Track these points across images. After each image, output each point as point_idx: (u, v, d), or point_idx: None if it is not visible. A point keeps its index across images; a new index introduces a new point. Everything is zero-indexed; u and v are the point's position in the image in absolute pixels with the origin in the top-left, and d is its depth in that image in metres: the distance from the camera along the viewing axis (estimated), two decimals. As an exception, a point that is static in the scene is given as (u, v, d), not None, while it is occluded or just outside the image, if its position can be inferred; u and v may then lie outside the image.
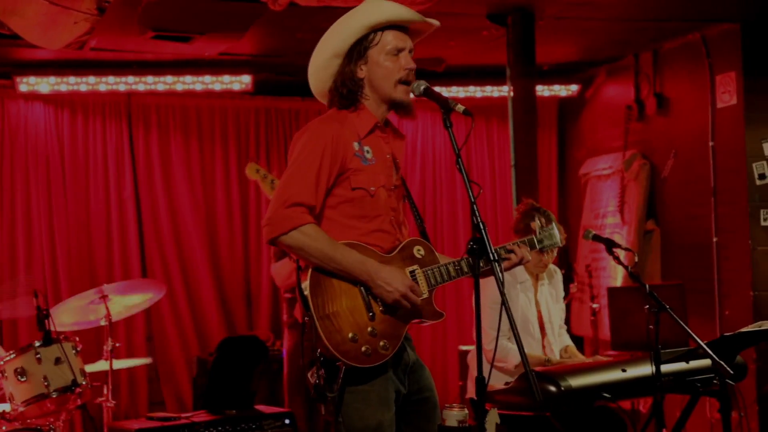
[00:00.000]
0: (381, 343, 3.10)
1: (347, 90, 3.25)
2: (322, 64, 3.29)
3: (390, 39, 3.24)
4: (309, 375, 3.11)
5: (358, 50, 3.24)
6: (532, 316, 4.84)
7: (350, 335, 3.07)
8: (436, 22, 3.33)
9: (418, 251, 3.29)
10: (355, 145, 3.22)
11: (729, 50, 6.57)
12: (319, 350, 3.05)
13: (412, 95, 3.28)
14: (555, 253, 4.85)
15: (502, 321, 2.98)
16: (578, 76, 8.13)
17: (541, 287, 4.94)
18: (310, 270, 3.11)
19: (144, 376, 7.30)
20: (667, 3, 6.18)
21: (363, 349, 3.07)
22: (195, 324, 7.45)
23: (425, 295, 3.23)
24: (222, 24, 5.97)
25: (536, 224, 3.53)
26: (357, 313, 3.11)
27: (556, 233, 3.53)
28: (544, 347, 4.88)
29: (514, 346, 4.63)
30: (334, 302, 3.10)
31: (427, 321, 3.25)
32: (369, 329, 3.10)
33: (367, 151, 3.25)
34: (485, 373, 2.94)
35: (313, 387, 3.09)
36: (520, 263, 3.39)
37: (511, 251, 3.37)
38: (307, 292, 3.08)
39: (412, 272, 3.22)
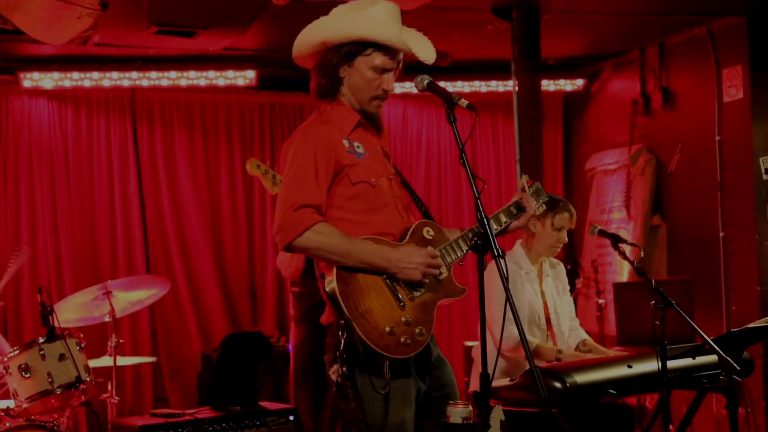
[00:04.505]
0: (417, 330, 3.14)
1: (327, 80, 3.28)
2: (308, 42, 3.30)
3: (380, 57, 3.25)
4: (331, 372, 3.12)
5: (348, 51, 3.25)
6: (539, 308, 4.83)
7: (387, 329, 3.09)
8: (431, 59, 3.33)
9: (428, 232, 3.31)
10: (345, 142, 3.25)
11: (735, 44, 6.54)
12: (345, 344, 3.02)
13: (416, 90, 3.27)
14: (565, 238, 4.84)
15: (517, 312, 2.97)
16: (584, 71, 8.10)
17: (546, 278, 4.93)
18: (334, 270, 3.11)
19: (149, 373, 7.29)
20: (673, -4, 6.16)
21: (402, 339, 3.10)
22: (199, 320, 7.44)
23: (445, 274, 3.25)
24: (226, 19, 5.96)
25: (521, 182, 3.57)
26: (389, 306, 3.13)
27: (540, 186, 3.65)
28: (548, 339, 4.86)
29: (529, 336, 4.65)
30: (365, 300, 3.11)
31: (452, 298, 3.29)
32: (403, 319, 3.13)
33: (358, 146, 3.28)
34: (491, 369, 2.93)
35: (335, 384, 3.09)
36: (529, 218, 3.49)
37: (521, 204, 3.45)
38: (337, 296, 3.08)
39: None
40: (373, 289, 3.14)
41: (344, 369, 3.04)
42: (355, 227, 3.20)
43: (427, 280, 3.19)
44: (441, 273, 3.23)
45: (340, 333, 3.01)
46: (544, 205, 3.78)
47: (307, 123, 3.33)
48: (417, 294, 3.19)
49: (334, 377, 3.10)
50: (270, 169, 5.47)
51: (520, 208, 3.47)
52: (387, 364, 3.09)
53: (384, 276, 3.15)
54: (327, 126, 3.25)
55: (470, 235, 3.30)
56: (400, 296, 3.16)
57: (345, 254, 3.10)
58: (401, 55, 3.31)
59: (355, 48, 3.23)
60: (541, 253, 4.83)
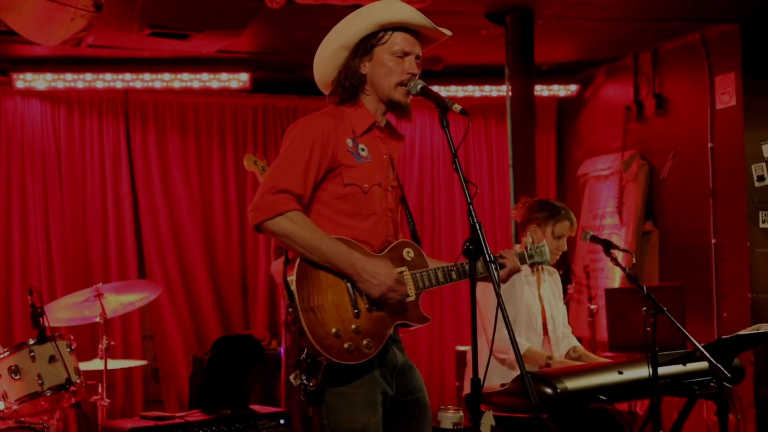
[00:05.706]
0: (364, 342, 3.07)
1: (349, 83, 3.24)
2: (328, 55, 3.28)
3: (398, 40, 3.23)
4: (292, 378, 3.08)
5: (365, 46, 3.23)
6: (536, 311, 4.83)
7: (333, 330, 3.02)
8: (448, 32, 3.31)
9: (408, 253, 3.26)
10: (349, 141, 3.20)
11: (728, 51, 6.56)
12: (305, 349, 3.02)
13: (408, 95, 3.25)
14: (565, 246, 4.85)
15: (507, 316, 2.94)
16: (577, 76, 8.11)
17: (544, 284, 4.94)
18: (297, 261, 3.08)
19: (140, 375, 7.27)
20: (667, 3, 6.16)
21: (345, 345, 3.02)
22: (191, 322, 7.41)
23: (412, 298, 3.19)
24: (220, 21, 5.96)
25: (527, 240, 3.53)
26: (342, 308, 3.07)
27: (546, 250, 3.54)
28: (544, 344, 4.86)
29: (520, 338, 4.63)
30: (320, 295, 3.06)
31: (412, 325, 3.21)
32: (353, 326, 3.06)
33: (362, 149, 3.23)
34: (482, 374, 2.92)
35: (301, 390, 3.06)
36: (512, 273, 3.34)
37: (504, 258, 3.32)
38: (293, 284, 3.04)
39: (400, 273, 3.18)
40: (333, 287, 3.08)
41: (304, 375, 3.02)
42: (336, 228, 3.16)
43: (385, 301, 3.11)
44: (408, 296, 3.17)
45: (289, 327, 2.99)
46: (545, 267, 3.60)
47: (317, 113, 3.29)
48: (376, 307, 3.12)
49: (296, 382, 3.07)
50: (267, 166, 5.47)
51: (501, 266, 3.30)
52: (324, 365, 3.02)
53: (346, 280, 3.10)
54: (336, 121, 3.21)
55: (452, 271, 3.23)
56: (358, 303, 3.10)
57: (311, 249, 3.05)
58: (419, 48, 3.27)
59: (370, 40, 3.22)
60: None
